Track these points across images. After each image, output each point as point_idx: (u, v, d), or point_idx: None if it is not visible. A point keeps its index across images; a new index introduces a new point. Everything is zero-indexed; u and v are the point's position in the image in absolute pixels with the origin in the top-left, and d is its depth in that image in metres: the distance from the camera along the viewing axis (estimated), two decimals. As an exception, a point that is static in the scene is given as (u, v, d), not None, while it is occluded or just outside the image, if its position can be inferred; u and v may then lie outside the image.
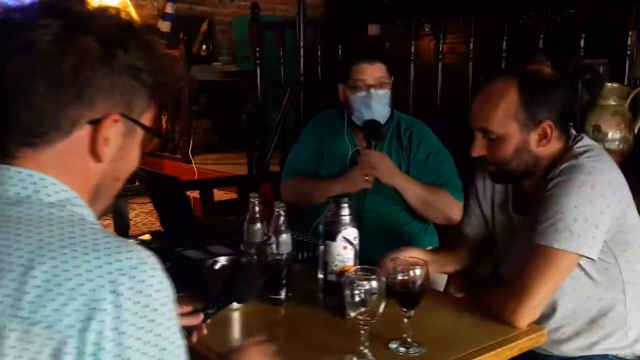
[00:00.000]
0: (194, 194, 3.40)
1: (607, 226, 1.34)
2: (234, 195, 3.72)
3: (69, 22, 0.76)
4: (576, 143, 1.43)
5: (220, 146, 5.45)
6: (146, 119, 0.85)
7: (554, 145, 1.43)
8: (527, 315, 1.33)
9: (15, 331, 0.67)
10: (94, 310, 0.67)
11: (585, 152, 1.39)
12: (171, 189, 2.10)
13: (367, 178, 1.94)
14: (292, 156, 2.27)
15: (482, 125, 1.42)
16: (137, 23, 0.84)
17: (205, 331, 1.21)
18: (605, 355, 1.45)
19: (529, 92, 1.38)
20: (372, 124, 2.00)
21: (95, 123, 0.78)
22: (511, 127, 1.39)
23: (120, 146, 0.82)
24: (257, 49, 3.84)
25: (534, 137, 1.40)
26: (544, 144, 1.42)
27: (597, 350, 1.45)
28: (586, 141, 1.45)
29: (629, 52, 2.48)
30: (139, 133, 0.85)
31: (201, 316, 1.21)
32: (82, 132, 0.78)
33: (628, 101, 2.22)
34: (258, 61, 3.85)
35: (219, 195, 3.64)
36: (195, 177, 4.41)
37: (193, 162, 4.56)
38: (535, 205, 1.42)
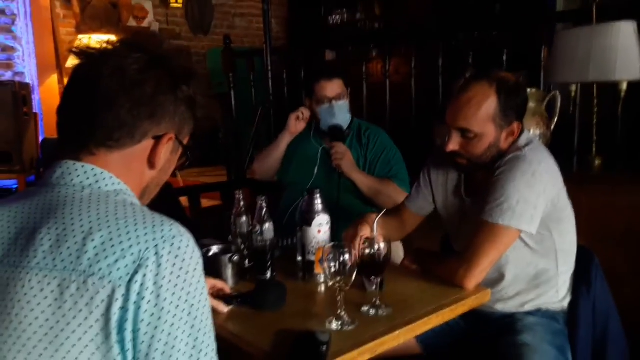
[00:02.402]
0: (182, 202, 3.40)
1: (543, 207, 1.40)
2: (217, 202, 3.71)
3: (152, 58, 0.86)
4: (520, 136, 1.49)
5: (201, 161, 5.41)
6: (187, 139, 0.94)
7: (509, 142, 1.47)
8: (474, 278, 1.38)
9: (74, 282, 0.72)
10: (140, 267, 0.73)
11: (526, 145, 1.45)
12: (164, 194, 2.11)
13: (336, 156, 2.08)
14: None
15: (463, 126, 1.43)
16: (195, 71, 0.95)
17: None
18: (539, 309, 1.52)
19: (505, 97, 1.41)
20: (335, 128, 2.12)
21: (158, 138, 0.87)
22: (488, 127, 1.42)
23: (167, 160, 0.91)
24: (230, 74, 3.87)
25: (504, 135, 1.44)
26: (509, 141, 1.46)
27: (531, 306, 1.52)
28: (526, 135, 1.50)
29: (543, 64, 2.61)
30: (179, 152, 0.94)
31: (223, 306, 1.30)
32: (147, 144, 0.87)
33: (544, 104, 2.33)
34: (232, 85, 3.88)
35: (205, 203, 3.63)
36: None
37: (179, 175, 4.53)
38: (483, 189, 1.46)
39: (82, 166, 0.83)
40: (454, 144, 1.46)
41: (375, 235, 1.35)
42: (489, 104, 1.41)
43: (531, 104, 2.32)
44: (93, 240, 0.74)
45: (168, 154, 0.90)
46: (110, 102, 0.82)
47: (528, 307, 1.52)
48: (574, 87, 2.51)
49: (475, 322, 1.55)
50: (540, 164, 1.41)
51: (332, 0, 5.50)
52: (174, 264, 0.75)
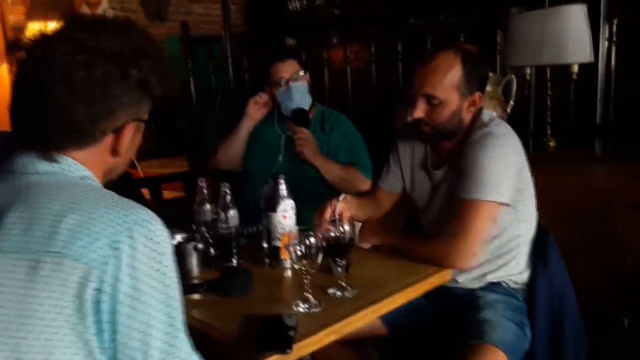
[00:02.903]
0: (144, 194, 3.33)
1: (513, 178, 1.46)
2: (180, 194, 3.66)
3: (91, 50, 0.82)
4: (481, 112, 1.55)
5: (161, 153, 5.32)
6: (147, 112, 0.92)
7: (471, 112, 1.53)
8: (471, 259, 1.42)
9: (47, 263, 0.73)
10: (114, 249, 0.74)
11: (491, 120, 1.52)
12: (125, 184, 2.06)
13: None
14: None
15: (428, 92, 1.47)
16: (146, 40, 0.90)
17: None
18: (500, 283, 1.57)
19: (469, 68, 1.46)
20: (298, 112, 2.10)
21: (117, 131, 0.87)
22: (453, 95, 1.47)
23: (131, 140, 0.90)
24: (189, 61, 3.80)
25: (466, 104, 1.50)
26: (471, 110, 1.52)
27: (493, 277, 1.56)
28: (487, 112, 1.57)
29: (498, 48, 2.66)
30: (142, 127, 0.93)
31: None
32: (108, 138, 0.86)
33: (501, 87, 2.39)
34: (190, 72, 3.82)
35: (166, 194, 3.57)
36: (143, 178, 4.29)
37: (138, 166, 4.43)
38: (453, 161, 1.52)
39: (46, 158, 0.83)
40: (419, 111, 1.50)
41: (338, 218, 1.37)
42: (454, 73, 1.45)
43: (488, 88, 2.36)
44: (66, 222, 0.75)
45: (131, 137, 0.89)
46: (62, 111, 0.81)
47: (490, 278, 1.56)
48: (528, 70, 2.58)
49: (438, 300, 1.59)
50: (507, 137, 1.48)
51: (291, -14, 5.45)
52: (149, 247, 0.76)
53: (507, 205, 1.45)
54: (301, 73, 2.12)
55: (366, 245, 1.60)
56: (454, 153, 1.56)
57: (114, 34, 0.86)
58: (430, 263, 1.44)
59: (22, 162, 0.83)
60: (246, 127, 2.22)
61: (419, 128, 1.55)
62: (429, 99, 1.48)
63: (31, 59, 0.84)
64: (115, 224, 0.76)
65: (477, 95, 1.50)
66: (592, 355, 1.59)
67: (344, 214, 1.43)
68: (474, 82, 1.48)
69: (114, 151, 0.88)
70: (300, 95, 2.10)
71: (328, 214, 1.47)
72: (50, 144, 0.83)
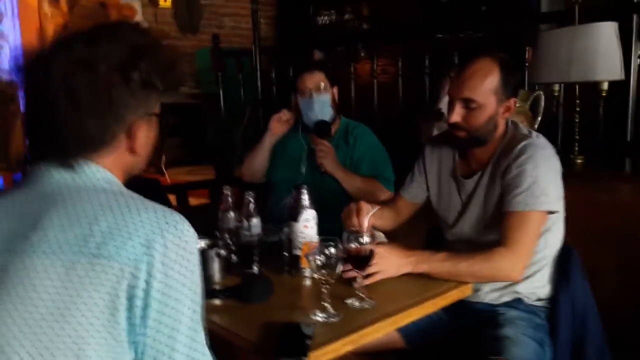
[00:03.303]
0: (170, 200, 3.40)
1: (559, 186, 1.49)
2: (205, 201, 3.72)
3: (90, 66, 0.83)
4: (517, 126, 1.57)
5: (189, 160, 5.42)
6: (158, 107, 0.94)
7: (505, 119, 1.55)
8: (523, 270, 1.44)
9: (82, 264, 0.76)
10: (147, 248, 0.77)
11: (529, 132, 1.54)
12: (152, 191, 2.12)
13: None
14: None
15: (467, 95, 1.49)
16: (141, 37, 0.90)
17: None
18: (521, 299, 1.55)
19: (506, 74, 1.49)
20: (320, 123, 2.12)
21: (129, 131, 0.88)
22: (491, 99, 1.49)
23: (146, 136, 0.92)
24: (219, 73, 3.88)
25: (501, 109, 1.52)
26: (505, 116, 1.54)
27: (515, 291, 1.55)
28: (519, 124, 1.59)
29: (527, 64, 2.65)
30: (155, 119, 0.94)
31: None
32: (120, 140, 0.88)
33: (529, 103, 2.37)
34: (221, 84, 3.89)
35: (192, 201, 3.63)
36: (170, 186, 4.38)
37: (166, 174, 4.53)
38: (486, 170, 1.54)
39: (68, 164, 0.86)
40: (456, 115, 1.51)
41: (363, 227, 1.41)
42: (493, 77, 1.48)
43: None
44: (99, 225, 0.78)
45: (145, 132, 0.91)
46: (72, 124, 0.84)
47: (513, 290, 1.55)
48: (557, 87, 2.56)
49: (458, 315, 1.58)
50: (549, 147, 1.51)
51: (321, 0, 5.53)
52: (179, 245, 0.80)
53: (556, 212, 1.47)
54: (326, 86, 2.14)
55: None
56: (486, 162, 1.56)
57: (109, 40, 0.87)
58: (483, 280, 1.48)
59: (44, 171, 0.85)
60: (268, 142, 2.26)
61: (453, 133, 1.56)
62: (467, 102, 1.50)
63: (32, 81, 0.87)
64: (147, 225, 0.79)
65: (512, 100, 1.53)
66: (615, 378, 1.55)
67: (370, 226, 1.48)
68: (509, 87, 1.51)
69: (131, 150, 0.90)
70: (321, 106, 2.13)
71: (363, 219, 1.50)
72: (67, 154, 0.85)
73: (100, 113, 0.84)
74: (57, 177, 0.84)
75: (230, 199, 1.66)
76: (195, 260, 0.82)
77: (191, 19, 5.96)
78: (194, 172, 5.02)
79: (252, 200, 1.56)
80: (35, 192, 0.84)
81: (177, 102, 5.04)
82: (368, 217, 1.50)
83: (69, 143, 0.84)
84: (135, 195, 0.86)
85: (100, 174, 0.86)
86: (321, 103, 2.12)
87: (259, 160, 2.27)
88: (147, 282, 0.76)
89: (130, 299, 0.76)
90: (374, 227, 1.56)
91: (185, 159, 5.40)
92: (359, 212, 1.53)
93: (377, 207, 1.56)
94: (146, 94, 0.88)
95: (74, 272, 0.75)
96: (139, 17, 5.59)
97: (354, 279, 1.36)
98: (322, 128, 2.13)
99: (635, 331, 1.92)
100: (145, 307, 0.77)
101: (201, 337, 0.83)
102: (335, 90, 2.19)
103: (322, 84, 2.14)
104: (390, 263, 1.40)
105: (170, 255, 0.78)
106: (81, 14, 5.23)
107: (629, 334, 1.86)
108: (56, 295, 0.75)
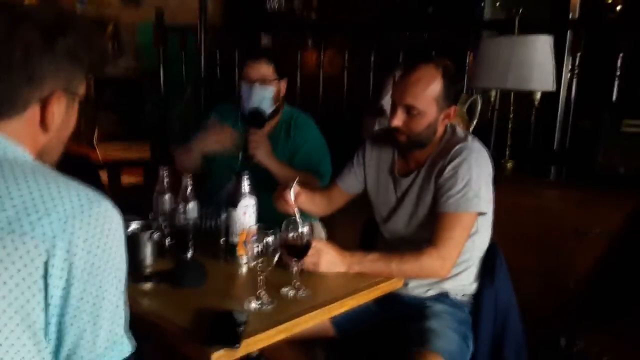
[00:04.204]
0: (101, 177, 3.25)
1: (490, 189, 1.55)
2: (138, 180, 3.60)
3: (14, 16, 0.79)
4: (454, 128, 1.62)
5: (124, 137, 5.21)
6: (81, 88, 0.88)
7: (444, 125, 1.60)
8: (450, 269, 1.50)
9: None
10: (66, 225, 0.73)
11: (466, 135, 1.59)
12: (81, 167, 2.02)
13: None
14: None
15: (409, 102, 1.52)
16: (74, 13, 0.86)
17: None
18: (447, 294, 1.61)
19: (448, 82, 1.53)
20: (252, 113, 2.06)
21: (44, 101, 0.82)
22: (432, 107, 1.52)
23: (64, 116, 0.86)
24: (161, 49, 3.75)
25: (441, 117, 1.55)
26: (445, 123, 1.59)
27: (442, 287, 1.61)
28: (457, 127, 1.64)
29: (467, 68, 2.74)
30: (77, 102, 0.88)
31: None
32: (34, 109, 0.82)
33: (466, 106, 2.46)
34: (162, 60, 3.76)
35: (125, 179, 3.50)
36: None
37: (97, 149, 4.33)
38: (422, 171, 1.59)
39: None
40: (398, 120, 1.54)
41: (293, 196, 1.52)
42: (435, 86, 1.51)
43: (454, 105, 2.43)
44: (12, 199, 0.73)
45: (62, 111, 0.85)
46: None
47: (440, 287, 1.61)
48: (493, 93, 2.66)
49: (387, 306, 1.62)
50: (483, 151, 1.57)
51: (271, -15, 5.45)
52: (102, 224, 0.77)
53: (484, 213, 1.53)
54: (271, 79, 2.08)
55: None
56: (422, 162, 1.61)
57: (41, 3, 0.84)
58: (412, 278, 1.54)
59: None
60: (198, 151, 2.11)
61: (394, 136, 1.60)
62: (409, 109, 1.53)
63: None
64: (67, 202, 0.75)
65: (452, 108, 1.57)
66: (529, 371, 1.65)
67: (299, 195, 1.56)
68: (451, 96, 1.55)
69: (43, 125, 0.83)
70: (260, 98, 2.06)
71: (288, 195, 1.55)
72: None
73: (11, 68, 0.77)
74: None
75: (166, 180, 1.62)
76: (119, 239, 0.80)
77: (134, -11, 5.71)
78: (129, 149, 4.83)
79: (190, 184, 1.53)
80: None
81: (115, 75, 4.83)
82: (292, 191, 1.55)
83: None
84: (53, 171, 0.81)
85: (11, 143, 0.80)
86: (260, 94, 2.06)
87: (190, 161, 2.13)
88: (68, 261, 0.73)
89: (45, 278, 0.72)
90: (302, 211, 1.57)
91: (121, 135, 5.19)
92: (285, 192, 1.57)
93: (295, 180, 1.59)
94: (68, 64, 0.83)
95: None
96: (78, -17, 5.29)
97: (289, 265, 1.36)
98: (254, 118, 2.06)
99: (550, 330, 2.05)
100: (67, 286, 0.74)
101: (124, 316, 0.82)
102: (283, 83, 2.13)
103: (266, 76, 2.07)
104: (325, 259, 1.42)
105: (93, 234, 0.75)
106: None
107: (544, 330, 1.98)
108: None
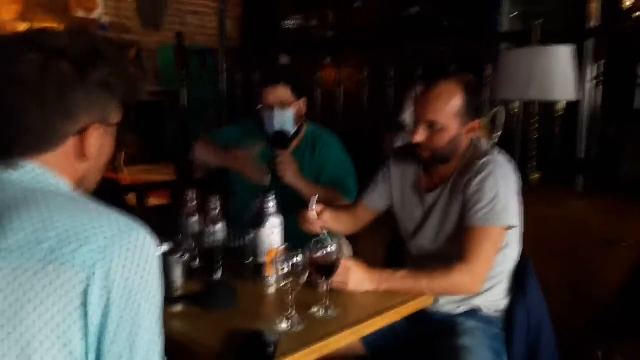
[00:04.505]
0: (129, 200, 3.30)
1: (518, 201, 1.53)
2: (164, 201, 3.64)
3: (48, 51, 0.80)
4: (479, 141, 1.61)
5: (147, 159, 5.30)
6: (117, 117, 0.90)
7: (469, 139, 1.59)
8: (481, 283, 1.48)
9: (32, 267, 0.72)
10: (105, 254, 0.74)
11: (490, 148, 1.59)
12: (109, 191, 2.05)
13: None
14: (210, 133, 2.36)
15: (431, 118, 1.51)
16: (104, 42, 0.88)
17: None
18: (480, 310, 1.59)
19: (470, 97, 1.52)
20: (277, 134, 2.07)
21: (80, 134, 0.83)
22: (454, 122, 1.52)
23: (101, 145, 0.87)
24: (183, 71, 3.82)
25: (464, 131, 1.55)
26: (469, 137, 1.58)
27: (474, 303, 1.58)
28: (481, 141, 1.63)
29: (487, 81, 2.72)
30: (114, 130, 0.90)
31: None
32: (70, 143, 0.83)
33: (489, 118, 2.45)
34: (183, 82, 3.83)
35: (152, 201, 3.54)
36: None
37: (125, 171, 4.41)
38: (447, 186, 1.58)
39: (14, 164, 0.81)
40: (420, 136, 1.54)
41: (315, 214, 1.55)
42: (456, 100, 1.51)
43: (476, 118, 2.42)
44: (54, 229, 0.74)
45: (99, 141, 0.86)
46: (15, 116, 0.79)
47: (472, 303, 1.59)
48: (516, 104, 2.64)
49: (417, 323, 1.60)
50: (509, 164, 1.56)
51: (288, 4, 5.52)
52: (140, 251, 0.77)
53: (514, 227, 1.52)
54: (289, 101, 2.08)
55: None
56: (448, 177, 1.60)
57: (71, 35, 0.84)
58: (443, 295, 1.52)
59: None
60: (224, 164, 2.16)
61: (417, 152, 1.59)
62: (431, 124, 1.52)
63: None
64: (107, 229, 0.76)
65: (476, 122, 1.56)
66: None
67: (322, 213, 1.58)
68: (473, 110, 1.54)
69: (81, 156, 0.84)
70: (281, 122, 2.07)
71: (310, 214, 1.57)
72: (12, 151, 0.80)
73: (46, 105, 0.78)
74: (5, 177, 0.80)
75: (193, 203, 1.64)
76: (155, 267, 0.80)
77: (155, 14, 5.84)
78: (153, 170, 4.92)
79: (218, 205, 1.54)
80: None
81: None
82: (313, 209, 1.57)
83: (13, 137, 0.79)
84: (91, 200, 0.83)
85: (50, 176, 0.82)
86: (281, 119, 2.07)
87: (208, 156, 2.19)
88: (107, 288, 0.74)
89: (85, 305, 0.73)
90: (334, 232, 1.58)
91: (144, 157, 5.28)
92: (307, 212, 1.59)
93: (315, 198, 1.61)
94: (102, 96, 0.84)
95: (23, 277, 0.72)
96: (100, 10, 5.44)
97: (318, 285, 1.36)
98: (279, 139, 2.07)
99: (582, 341, 2.00)
100: (105, 313, 0.74)
101: (160, 345, 0.82)
102: (302, 102, 2.13)
103: (286, 99, 2.08)
104: (353, 277, 1.41)
105: (132, 261, 0.76)
106: (37, 2, 5.05)
107: (578, 344, 1.94)
108: (1, 299, 0.71)
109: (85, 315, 0.74)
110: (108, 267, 0.74)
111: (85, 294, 0.73)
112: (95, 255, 0.74)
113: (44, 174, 0.81)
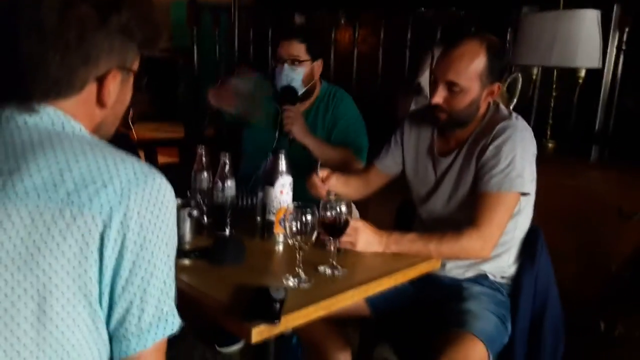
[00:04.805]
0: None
1: (534, 168, 1.51)
2: (173, 160, 3.66)
3: None
4: (498, 106, 1.57)
5: (156, 116, 5.29)
6: (136, 64, 0.89)
7: (487, 102, 1.55)
8: (492, 248, 1.47)
9: (49, 210, 0.73)
10: (122, 198, 0.75)
11: (510, 113, 1.55)
12: (123, 145, 2.05)
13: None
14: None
15: (452, 79, 1.48)
16: None
17: None
18: (486, 276, 1.60)
19: (492, 59, 1.48)
20: (284, 89, 2.05)
21: (101, 79, 0.83)
22: (475, 83, 1.48)
23: (119, 92, 0.87)
24: (194, 28, 3.77)
25: (484, 94, 1.51)
26: (488, 100, 1.54)
27: (482, 269, 1.59)
28: (500, 105, 1.59)
29: (507, 45, 2.66)
30: (131, 79, 0.89)
31: None
32: (91, 88, 0.83)
33: (506, 84, 2.40)
34: (195, 39, 3.78)
35: (160, 159, 3.56)
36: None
37: (133, 129, 4.41)
38: (463, 150, 1.55)
39: (33, 108, 0.81)
40: (439, 97, 1.51)
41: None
42: (479, 61, 1.47)
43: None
44: (71, 172, 0.75)
45: (118, 87, 0.86)
46: (36, 62, 0.78)
47: (480, 269, 1.60)
48: (535, 70, 2.59)
49: (424, 287, 1.62)
50: (527, 130, 1.52)
51: (304, -39, 5.39)
52: (157, 198, 0.78)
53: (527, 194, 1.49)
54: (301, 58, 2.05)
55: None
56: (463, 142, 1.57)
57: None
58: (452, 258, 1.52)
59: (7, 116, 0.80)
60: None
61: (434, 114, 1.56)
62: (451, 85, 1.49)
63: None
64: (124, 175, 0.76)
65: (496, 85, 1.52)
66: (567, 355, 1.62)
67: (328, 178, 1.57)
68: (495, 72, 1.50)
69: (100, 102, 0.84)
70: (288, 79, 2.05)
71: (316, 179, 1.57)
72: (32, 95, 0.80)
73: (67, 49, 0.77)
74: (22, 122, 0.79)
75: (204, 159, 1.64)
76: (171, 215, 0.81)
77: (168, -32, 5.73)
78: (161, 129, 4.91)
79: (227, 161, 1.54)
80: None
81: (148, 54, 4.88)
82: (318, 174, 1.58)
83: (33, 83, 0.79)
84: (109, 145, 0.82)
85: (69, 120, 0.82)
86: (289, 76, 2.05)
87: (227, 99, 2.14)
88: (121, 232, 0.75)
89: (101, 249, 0.74)
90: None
91: (153, 115, 5.27)
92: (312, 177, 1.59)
93: (318, 163, 1.62)
94: (123, 41, 0.83)
95: (40, 219, 0.72)
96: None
97: (326, 244, 1.36)
98: (286, 94, 2.05)
99: (590, 313, 2.01)
100: (119, 257, 0.75)
101: (172, 291, 0.83)
102: (318, 64, 2.10)
103: (297, 55, 2.05)
104: (362, 238, 1.42)
105: (147, 207, 0.77)
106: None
107: (583, 314, 1.95)
108: (19, 241, 0.72)
109: (101, 259, 0.75)
110: (124, 212, 0.75)
111: (102, 238, 0.74)
112: (112, 200, 0.74)
113: (62, 118, 0.81)
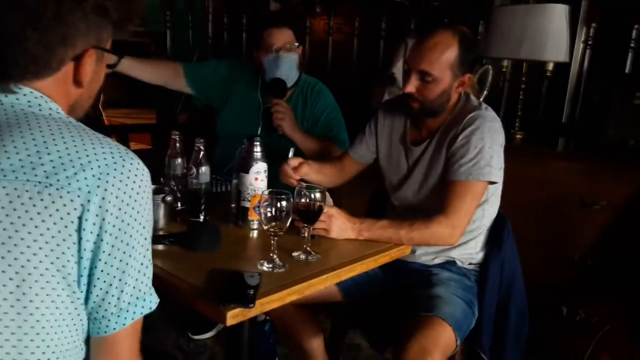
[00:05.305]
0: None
1: (502, 158, 1.55)
2: (145, 146, 3.63)
3: None
4: (469, 97, 1.62)
5: (128, 102, 5.22)
6: (109, 43, 0.90)
7: (458, 93, 1.60)
8: (459, 236, 1.51)
9: (28, 191, 0.74)
10: (101, 181, 0.76)
11: (480, 104, 1.59)
12: (93, 129, 2.03)
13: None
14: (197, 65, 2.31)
15: (424, 68, 1.51)
16: None
17: None
18: (454, 262, 1.65)
19: (465, 49, 1.51)
20: (275, 82, 2.01)
21: (77, 59, 0.84)
22: (447, 74, 1.52)
23: (94, 71, 0.88)
24: (168, 12, 3.73)
25: (456, 84, 1.55)
26: (459, 91, 1.58)
27: (450, 255, 1.65)
28: (471, 96, 1.64)
29: (479, 37, 2.72)
30: (106, 56, 0.90)
31: None
32: (67, 67, 0.84)
33: (477, 76, 2.45)
34: (168, 24, 3.74)
35: (132, 146, 3.52)
36: (106, 128, 4.22)
37: (103, 114, 4.35)
38: (434, 139, 1.59)
39: (9, 89, 0.82)
40: (411, 86, 1.54)
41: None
42: (451, 52, 1.50)
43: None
44: (49, 153, 0.76)
45: (93, 65, 0.87)
46: (14, 39, 0.79)
47: (448, 255, 1.65)
48: (505, 63, 2.65)
49: (394, 273, 1.67)
50: (497, 120, 1.57)
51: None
52: (134, 182, 0.79)
53: (495, 183, 1.54)
54: (294, 45, 2.04)
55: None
56: (435, 131, 1.62)
57: None
58: (422, 245, 1.57)
59: None
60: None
61: (407, 103, 1.59)
62: (424, 75, 1.52)
63: None
64: (102, 158, 0.77)
65: (467, 76, 1.56)
66: (531, 339, 1.70)
67: (300, 166, 1.59)
68: (466, 63, 1.54)
69: (77, 81, 0.85)
70: (288, 68, 2.02)
71: (287, 168, 1.59)
72: (9, 76, 0.81)
73: (44, 28, 0.78)
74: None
75: (178, 145, 1.64)
76: (149, 199, 0.83)
77: (139, -50, 5.61)
78: (133, 115, 4.86)
79: (202, 148, 1.55)
80: None
81: (120, 39, 4.79)
82: (290, 163, 1.60)
83: (10, 63, 0.80)
84: (86, 127, 0.83)
85: (46, 100, 0.83)
86: (288, 64, 2.01)
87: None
88: (100, 215, 0.76)
89: (79, 230, 0.75)
90: (311, 182, 1.61)
91: (125, 101, 5.20)
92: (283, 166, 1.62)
93: (291, 152, 1.64)
94: (98, 21, 0.84)
95: (18, 200, 0.73)
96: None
97: (301, 231, 1.39)
98: (277, 87, 2.02)
99: (553, 299, 2.10)
100: (98, 239, 0.77)
101: (150, 271, 0.85)
102: (301, 49, 2.09)
103: (292, 43, 2.03)
104: (335, 225, 1.45)
105: (125, 190, 0.78)
106: None
107: (546, 300, 2.03)
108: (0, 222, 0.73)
109: (80, 241, 0.76)
110: (102, 194, 0.76)
111: (80, 220, 0.75)
112: (91, 182, 0.75)
113: (39, 98, 0.82)
